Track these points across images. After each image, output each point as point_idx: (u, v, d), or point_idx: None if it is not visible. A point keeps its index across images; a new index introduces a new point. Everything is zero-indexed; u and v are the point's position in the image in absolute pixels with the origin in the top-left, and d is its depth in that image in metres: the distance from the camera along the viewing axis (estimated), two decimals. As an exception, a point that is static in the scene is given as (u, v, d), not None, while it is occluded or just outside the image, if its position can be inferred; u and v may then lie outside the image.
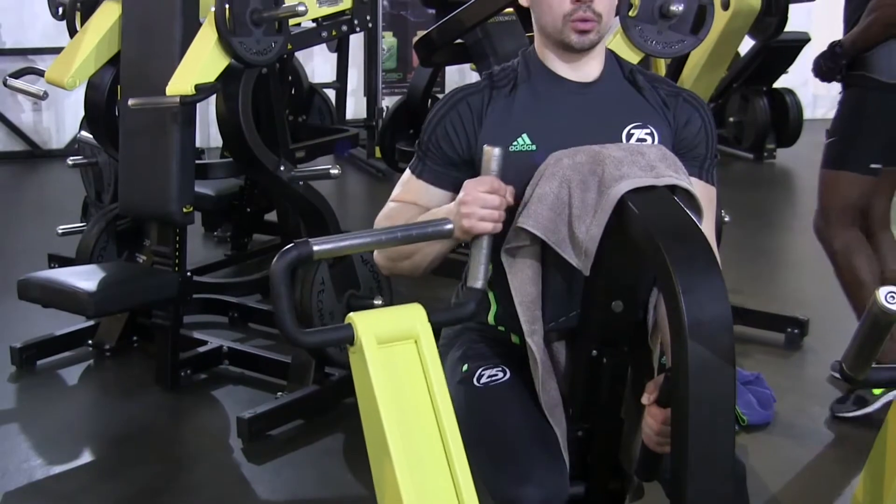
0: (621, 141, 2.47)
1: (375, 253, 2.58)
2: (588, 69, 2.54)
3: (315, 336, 2.21)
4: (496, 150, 2.32)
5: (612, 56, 2.59)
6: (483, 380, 2.52)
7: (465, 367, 2.58)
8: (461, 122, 2.51)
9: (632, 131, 2.49)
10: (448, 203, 2.43)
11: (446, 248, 2.48)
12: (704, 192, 2.45)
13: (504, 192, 2.31)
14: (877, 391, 4.39)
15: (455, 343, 2.68)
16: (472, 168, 2.48)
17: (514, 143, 2.46)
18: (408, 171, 2.62)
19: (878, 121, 4.26)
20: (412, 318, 2.17)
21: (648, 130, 2.49)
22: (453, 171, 2.53)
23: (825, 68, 4.32)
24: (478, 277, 2.31)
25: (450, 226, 2.28)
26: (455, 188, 2.45)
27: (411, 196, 2.59)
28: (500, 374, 2.50)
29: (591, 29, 2.45)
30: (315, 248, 2.10)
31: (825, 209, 4.49)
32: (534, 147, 2.45)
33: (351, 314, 2.13)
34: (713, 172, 2.57)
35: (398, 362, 2.14)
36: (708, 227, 2.39)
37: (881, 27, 4.19)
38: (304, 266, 4.41)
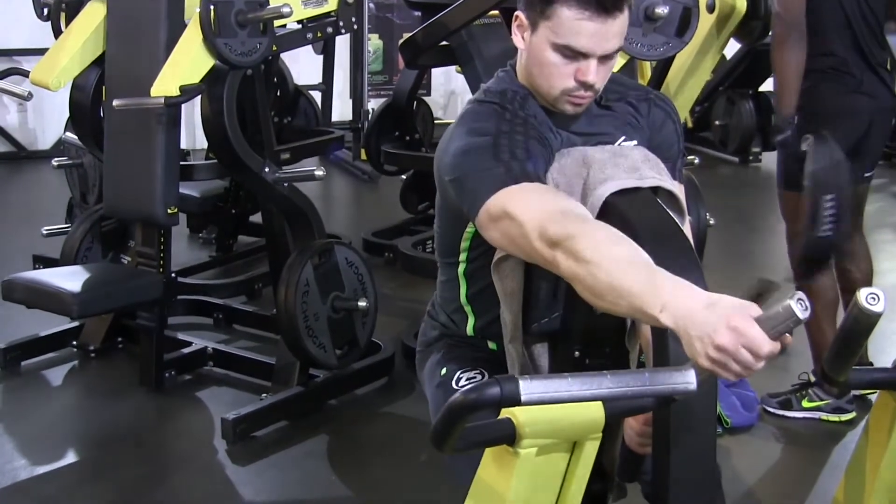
0: None
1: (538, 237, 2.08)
2: None
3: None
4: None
5: None
6: (461, 382, 2.52)
7: (443, 371, 2.58)
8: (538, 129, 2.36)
9: (622, 144, 2.47)
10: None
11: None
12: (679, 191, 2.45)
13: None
14: (807, 403, 4.46)
15: (434, 348, 2.68)
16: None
17: None
18: (499, 191, 2.18)
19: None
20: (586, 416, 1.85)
21: (635, 142, 2.47)
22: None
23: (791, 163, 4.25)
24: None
25: (692, 383, 1.80)
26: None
27: (537, 193, 2.20)
28: (479, 378, 2.50)
29: (586, 102, 2.40)
30: (524, 395, 1.69)
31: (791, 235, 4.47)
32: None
33: (514, 409, 1.79)
34: (682, 169, 2.58)
35: (542, 471, 1.89)
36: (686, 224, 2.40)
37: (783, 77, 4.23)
38: (291, 271, 4.43)
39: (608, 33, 2.28)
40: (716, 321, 1.78)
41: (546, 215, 2.07)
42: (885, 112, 4.27)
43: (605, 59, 2.32)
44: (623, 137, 2.47)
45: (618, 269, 1.92)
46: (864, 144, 4.19)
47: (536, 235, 2.06)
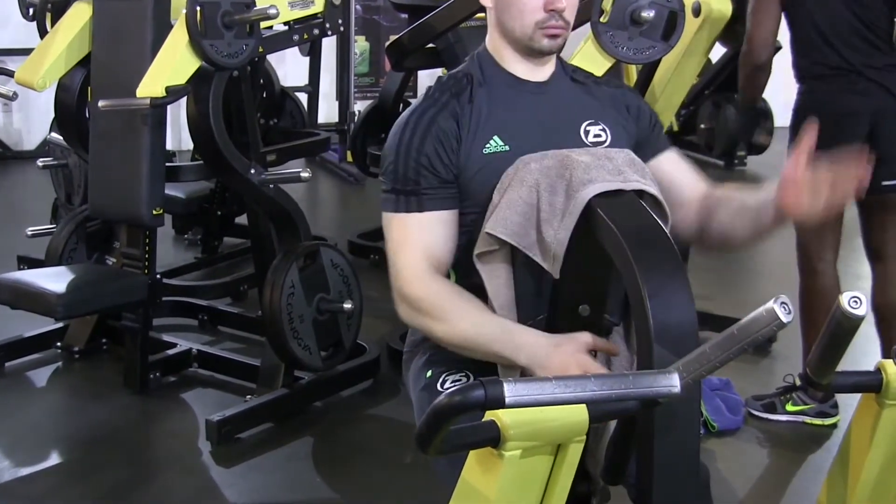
0: (580, 137, 2.53)
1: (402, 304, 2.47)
2: (545, 70, 2.59)
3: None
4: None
5: (555, 57, 2.63)
6: (447, 385, 2.51)
7: (429, 373, 2.58)
8: (442, 145, 2.46)
9: (587, 128, 2.56)
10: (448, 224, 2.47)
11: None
12: (679, 158, 2.68)
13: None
14: (791, 407, 4.47)
15: (419, 349, 2.68)
16: (459, 181, 2.48)
17: (487, 145, 2.47)
18: (396, 215, 2.49)
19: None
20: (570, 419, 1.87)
21: (601, 127, 2.56)
22: (451, 188, 2.48)
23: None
24: None
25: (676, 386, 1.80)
26: (455, 204, 2.47)
27: (415, 235, 2.46)
28: (464, 380, 2.50)
29: (561, 34, 2.49)
30: (508, 397, 1.70)
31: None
32: (507, 148, 2.47)
33: (498, 412, 1.79)
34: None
35: (527, 473, 1.90)
36: (694, 174, 2.67)
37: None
38: (276, 274, 4.43)
39: None
40: (562, 359, 2.23)
41: (414, 274, 2.41)
42: (887, 113, 4.18)
43: None
44: (589, 120, 2.56)
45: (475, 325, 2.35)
46: (878, 148, 4.14)
47: (398, 287, 2.44)
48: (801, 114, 4.21)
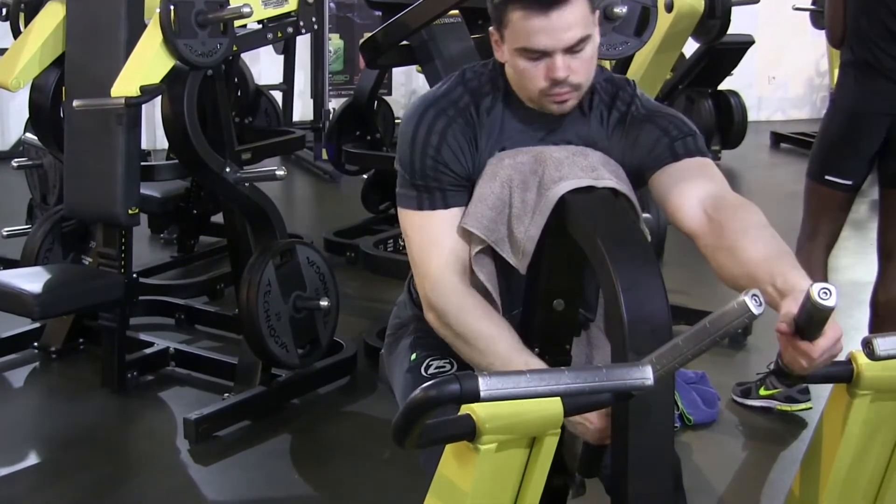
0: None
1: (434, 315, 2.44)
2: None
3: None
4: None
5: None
6: (430, 370, 2.53)
7: (413, 356, 2.59)
8: (459, 147, 2.42)
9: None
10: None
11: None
12: (693, 165, 2.38)
13: None
14: (763, 392, 4.52)
15: (407, 329, 2.69)
16: (473, 184, 2.43)
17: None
18: (418, 213, 2.45)
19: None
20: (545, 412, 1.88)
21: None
22: (466, 186, 2.44)
23: None
24: None
25: (649, 379, 1.81)
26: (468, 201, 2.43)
27: (442, 236, 2.43)
28: (448, 367, 2.52)
29: (569, 99, 2.40)
30: (483, 391, 1.72)
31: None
32: None
33: (473, 406, 1.81)
34: (694, 146, 2.43)
35: (503, 466, 1.91)
36: (718, 181, 2.35)
37: None
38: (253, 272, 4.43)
39: (561, 24, 2.28)
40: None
41: (443, 283, 2.39)
42: None
43: (572, 50, 2.32)
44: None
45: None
46: None
47: (427, 295, 2.42)
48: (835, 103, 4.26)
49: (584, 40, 2.32)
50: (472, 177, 2.43)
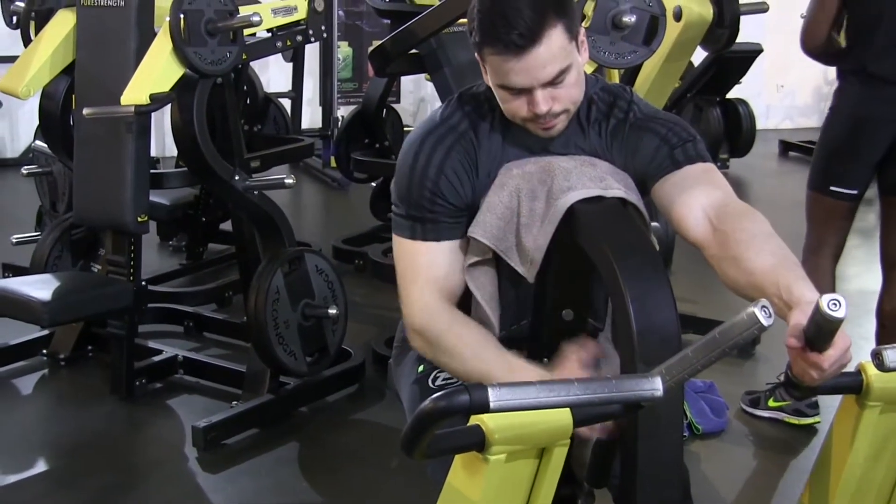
0: None
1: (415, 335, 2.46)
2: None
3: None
4: None
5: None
6: (438, 382, 2.53)
7: (420, 368, 2.59)
8: (457, 177, 2.42)
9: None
10: (460, 252, 2.43)
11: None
12: (695, 172, 2.34)
13: None
14: (773, 403, 4.51)
15: None
16: (472, 212, 2.43)
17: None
18: (406, 241, 2.47)
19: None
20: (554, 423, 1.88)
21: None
22: (464, 215, 2.44)
23: None
24: None
25: (659, 390, 1.84)
26: (464, 232, 2.42)
27: (426, 265, 2.45)
28: (454, 378, 2.51)
29: (554, 126, 2.39)
30: (493, 402, 1.73)
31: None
32: None
33: (483, 416, 1.81)
34: (694, 152, 2.38)
35: (512, 477, 1.90)
36: (721, 186, 2.31)
37: None
38: (261, 280, 4.43)
39: (537, 63, 2.26)
40: None
41: (423, 308, 2.41)
42: None
43: (551, 84, 2.31)
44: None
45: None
46: None
47: (412, 322, 2.43)
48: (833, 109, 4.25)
49: (564, 72, 2.31)
50: (471, 205, 2.42)
